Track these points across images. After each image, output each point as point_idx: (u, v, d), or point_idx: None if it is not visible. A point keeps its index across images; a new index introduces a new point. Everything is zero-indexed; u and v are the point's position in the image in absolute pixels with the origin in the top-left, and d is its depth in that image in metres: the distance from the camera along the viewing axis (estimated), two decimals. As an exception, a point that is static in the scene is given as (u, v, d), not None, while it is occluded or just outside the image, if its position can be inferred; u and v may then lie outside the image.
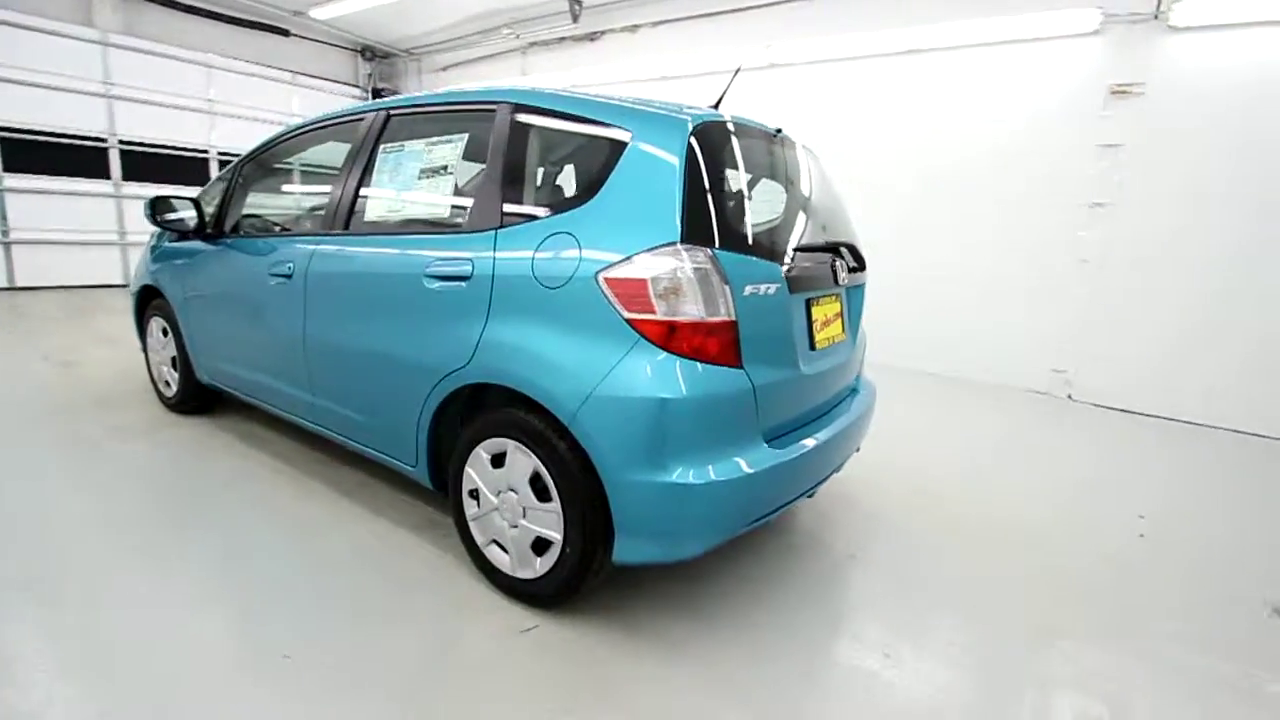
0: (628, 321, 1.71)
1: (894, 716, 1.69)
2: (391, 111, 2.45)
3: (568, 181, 2.07)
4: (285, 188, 3.60)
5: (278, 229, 2.93)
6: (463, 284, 1.99)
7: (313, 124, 2.82)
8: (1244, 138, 4.24)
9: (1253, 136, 4.21)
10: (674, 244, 1.70)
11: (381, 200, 2.38)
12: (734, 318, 1.74)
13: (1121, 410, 4.81)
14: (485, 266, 1.94)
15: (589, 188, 1.87)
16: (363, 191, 2.44)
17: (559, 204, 1.93)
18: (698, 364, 1.71)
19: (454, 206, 2.18)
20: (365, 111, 2.55)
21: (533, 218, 1.94)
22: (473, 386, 2.00)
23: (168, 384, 3.50)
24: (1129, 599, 2.30)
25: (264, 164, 3.07)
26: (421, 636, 1.88)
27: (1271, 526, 3.04)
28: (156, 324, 3.49)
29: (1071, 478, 3.50)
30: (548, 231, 1.86)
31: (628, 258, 1.71)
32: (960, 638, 2.01)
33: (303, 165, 3.29)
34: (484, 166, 2.11)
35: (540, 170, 2.08)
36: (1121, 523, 2.91)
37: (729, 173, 1.86)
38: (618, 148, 1.85)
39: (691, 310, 1.69)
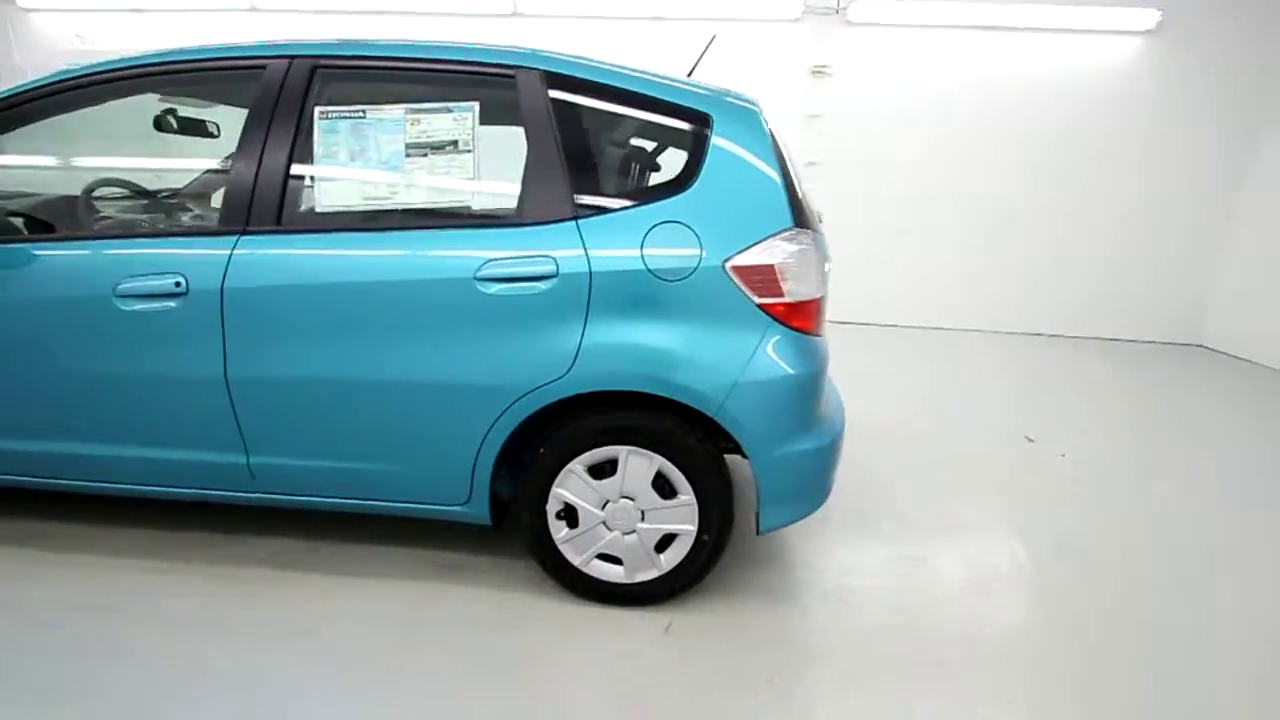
0: (759, 307, 1.76)
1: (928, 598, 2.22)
2: (321, 62, 1.85)
3: (641, 165, 1.91)
4: (79, 161, 2.30)
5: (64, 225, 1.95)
6: (541, 284, 1.72)
7: (118, 70, 1.91)
8: (903, 112, 5.78)
9: (909, 111, 5.78)
10: (790, 228, 1.79)
11: (346, 185, 1.82)
12: (825, 292, 1.93)
13: (838, 322, 6.30)
14: (575, 263, 1.72)
15: (681, 173, 1.80)
16: (298, 171, 1.82)
17: (648, 191, 1.80)
18: (809, 337, 1.87)
19: (485, 193, 1.81)
20: (259, 57, 1.86)
21: (614, 207, 1.77)
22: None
23: None
24: (928, 449, 3.28)
25: (18, 127, 1.95)
26: (585, 675, 1.71)
27: (994, 385, 4.50)
28: None
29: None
30: (652, 221, 1.74)
31: (753, 244, 1.74)
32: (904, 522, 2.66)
33: (94, 128, 2.16)
34: (522, 146, 1.81)
35: (606, 152, 1.87)
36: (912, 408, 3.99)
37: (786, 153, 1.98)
38: (701, 131, 1.80)
39: (805, 290, 1.82)
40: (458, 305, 1.74)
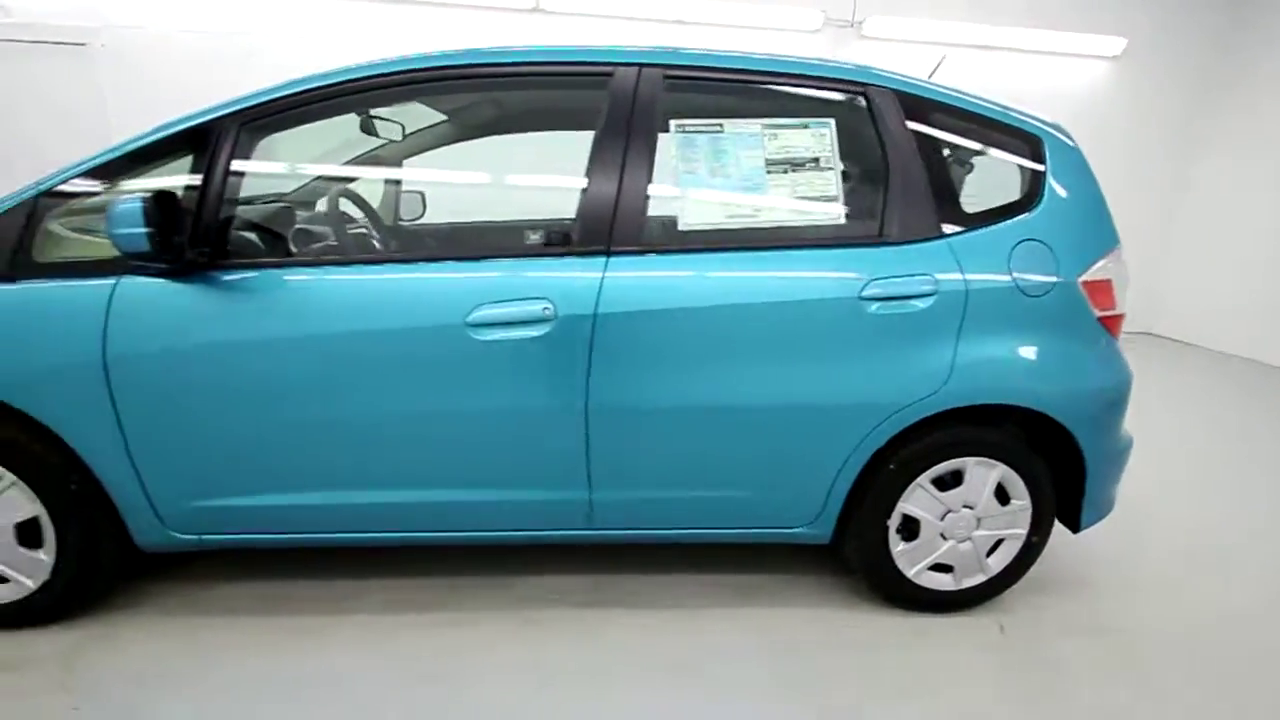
0: (1098, 320, 1.87)
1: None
2: (670, 71, 1.74)
3: (984, 185, 1.94)
4: (387, 173, 1.93)
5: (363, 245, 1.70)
6: (919, 303, 1.74)
7: (422, 69, 1.68)
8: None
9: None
10: (1118, 246, 1.92)
11: (708, 202, 1.73)
12: None
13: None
14: (953, 281, 1.75)
15: (1026, 193, 1.87)
16: (658, 186, 1.71)
17: (999, 210, 1.85)
18: (1118, 344, 2.01)
19: (848, 211, 1.79)
20: (605, 62, 1.73)
21: (975, 225, 1.82)
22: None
23: None
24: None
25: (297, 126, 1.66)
26: (971, 683, 1.76)
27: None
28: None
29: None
30: (1015, 239, 1.80)
31: (1098, 260, 1.85)
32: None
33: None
34: (859, 162, 1.82)
35: (955, 171, 1.89)
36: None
37: None
38: (1037, 153, 1.89)
39: (1123, 303, 1.97)
40: (839, 325, 1.72)
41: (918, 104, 1.84)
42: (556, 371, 1.66)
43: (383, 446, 1.68)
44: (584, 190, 1.69)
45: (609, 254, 1.67)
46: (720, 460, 1.78)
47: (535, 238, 1.94)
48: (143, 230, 1.40)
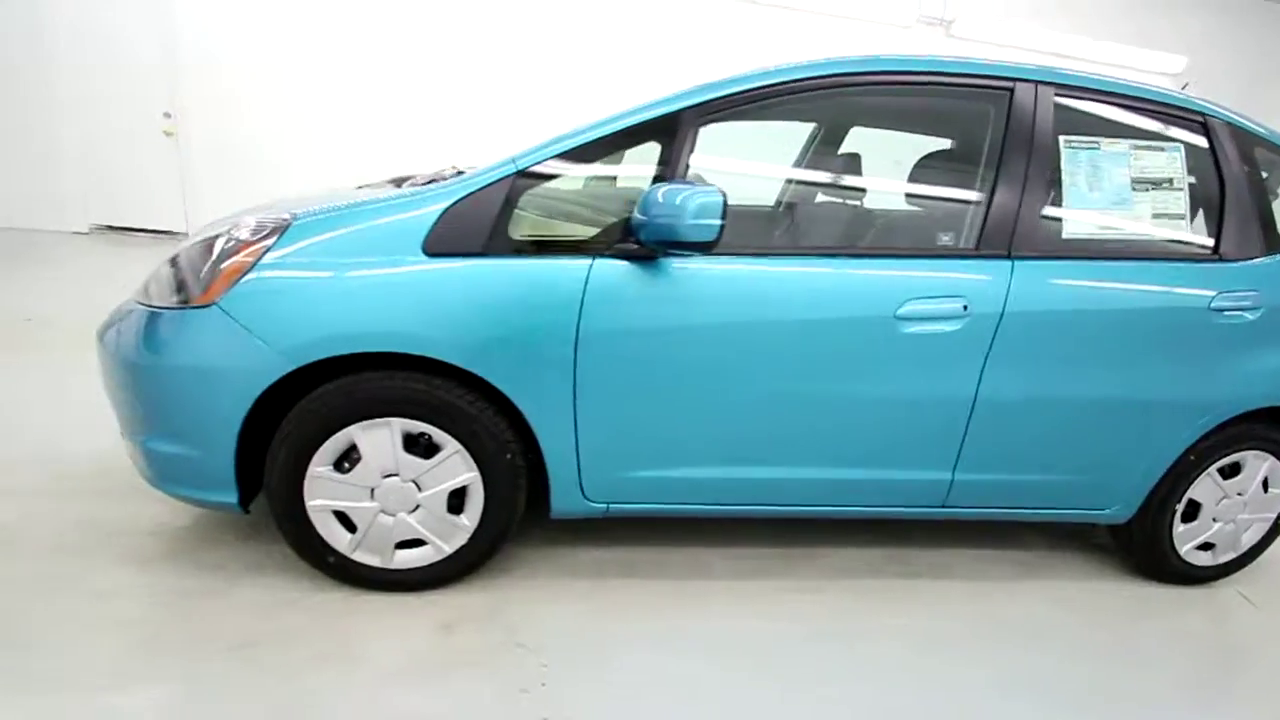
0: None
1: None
2: (1058, 92, 1.89)
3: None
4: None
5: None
6: (1249, 314, 1.97)
7: (868, 71, 1.81)
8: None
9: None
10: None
11: (1087, 214, 1.90)
12: None
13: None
14: (1272, 297, 1.98)
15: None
16: (1050, 197, 1.87)
17: (1299, 233, 2.09)
18: None
19: (1193, 230, 1.99)
20: (1002, 77, 1.86)
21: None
22: None
23: (398, 544, 1.76)
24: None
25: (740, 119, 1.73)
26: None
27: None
28: (378, 436, 1.63)
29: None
30: (1323, 261, 2.05)
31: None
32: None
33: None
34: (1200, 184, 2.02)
35: (1266, 196, 2.11)
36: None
37: None
38: (1327, 182, 2.14)
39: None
40: (1193, 332, 1.94)
41: (1245, 135, 2.05)
42: (958, 363, 1.81)
43: (799, 426, 1.81)
44: (989, 197, 1.84)
45: (1011, 258, 1.82)
46: (1071, 448, 1.99)
47: (946, 239, 2.07)
48: (719, 223, 1.47)
